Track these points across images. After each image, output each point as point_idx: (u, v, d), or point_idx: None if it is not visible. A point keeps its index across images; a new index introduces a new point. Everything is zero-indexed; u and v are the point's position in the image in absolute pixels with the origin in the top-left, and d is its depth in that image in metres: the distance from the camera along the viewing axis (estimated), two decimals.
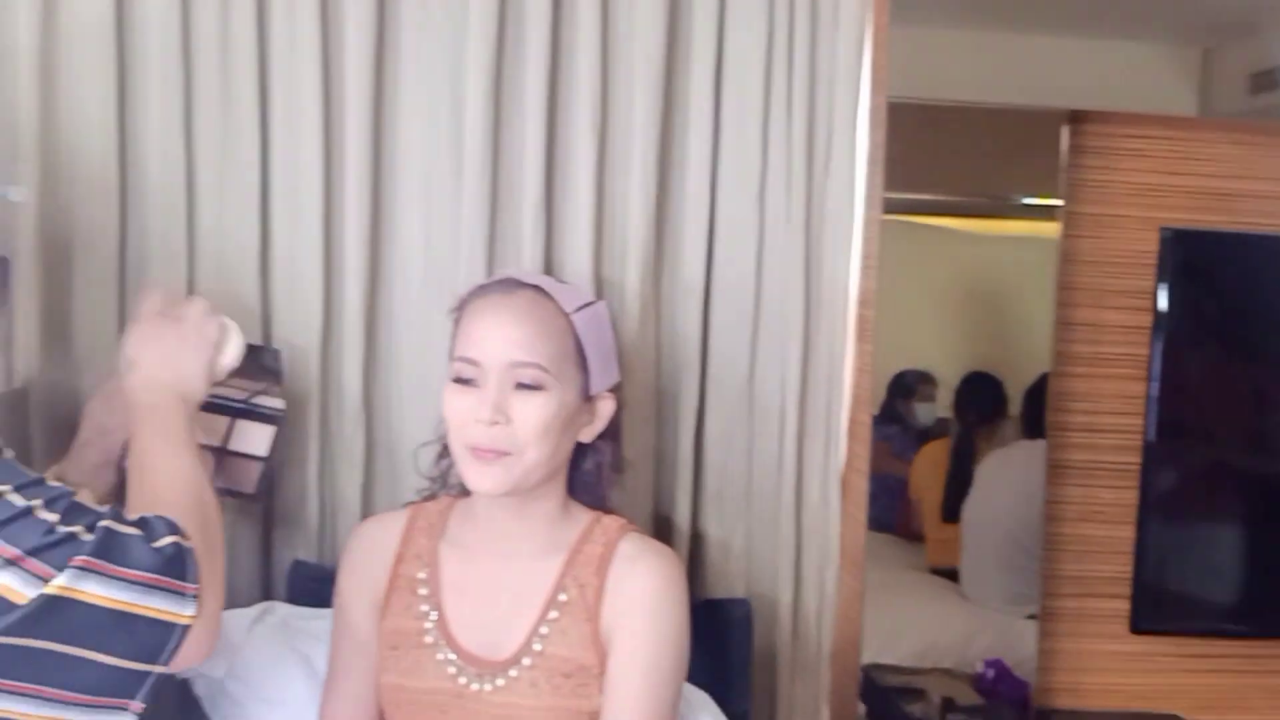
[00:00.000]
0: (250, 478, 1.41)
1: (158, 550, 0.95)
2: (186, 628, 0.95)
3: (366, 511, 1.54)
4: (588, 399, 1.28)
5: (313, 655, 1.35)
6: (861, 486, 1.68)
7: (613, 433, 1.34)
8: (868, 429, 1.67)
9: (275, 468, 1.45)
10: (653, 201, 1.59)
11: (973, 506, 2.37)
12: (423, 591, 1.28)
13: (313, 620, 1.40)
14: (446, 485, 1.36)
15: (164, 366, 1.20)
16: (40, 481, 0.96)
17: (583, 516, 1.32)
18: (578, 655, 1.23)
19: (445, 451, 1.34)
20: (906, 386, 3.36)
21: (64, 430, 1.41)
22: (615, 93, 1.60)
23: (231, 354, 1.29)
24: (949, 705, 2.25)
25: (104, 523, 0.94)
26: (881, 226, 1.68)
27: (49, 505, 0.93)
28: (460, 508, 1.33)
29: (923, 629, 2.80)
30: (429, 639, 1.26)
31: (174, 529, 0.98)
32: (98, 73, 1.44)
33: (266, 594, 1.53)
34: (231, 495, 1.39)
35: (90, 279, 1.46)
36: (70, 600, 0.90)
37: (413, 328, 1.57)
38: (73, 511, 0.94)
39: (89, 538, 0.92)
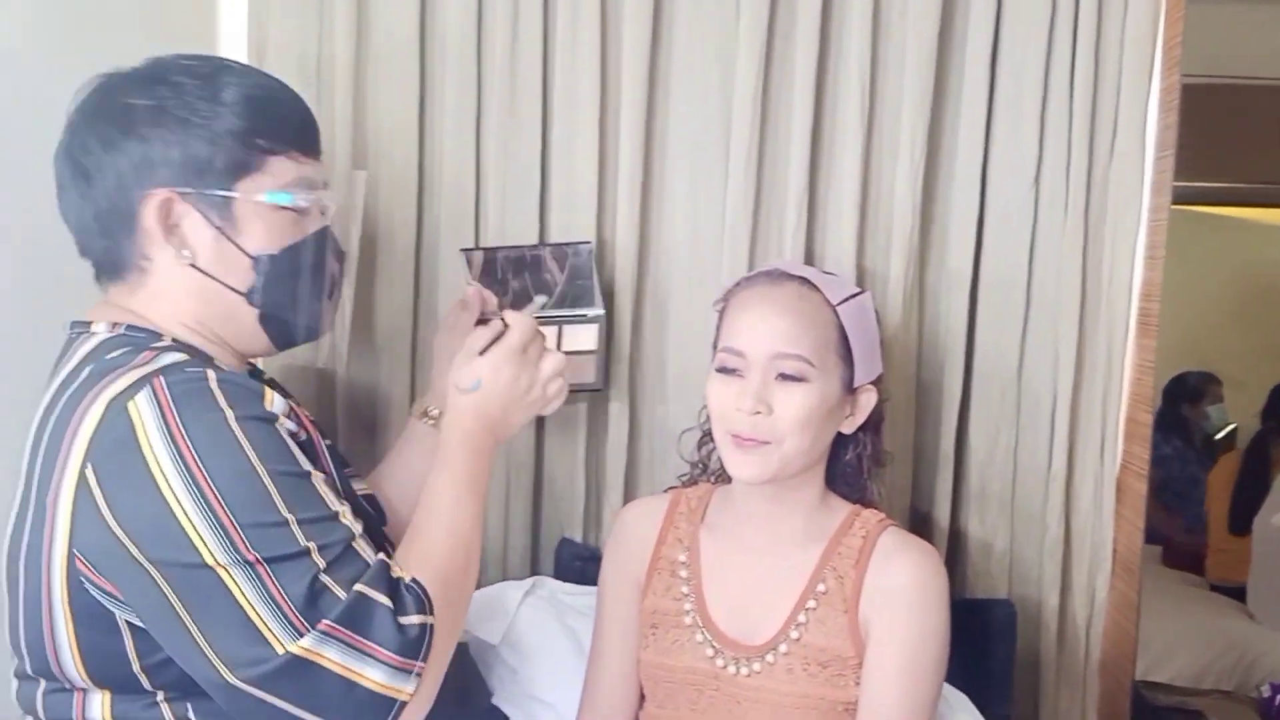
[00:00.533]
0: (589, 371, 1.51)
1: (403, 629, 0.95)
2: (404, 704, 0.95)
3: (630, 494, 1.60)
4: (850, 391, 1.28)
5: (578, 629, 1.43)
6: (1140, 490, 1.58)
7: (874, 425, 1.33)
8: (1148, 429, 1.57)
9: (604, 357, 1.55)
10: (919, 189, 1.56)
11: (1267, 518, 2.17)
12: (683, 574, 1.32)
13: (579, 596, 1.47)
14: (707, 471, 1.40)
15: (503, 407, 1.20)
16: (325, 516, 0.99)
17: (841, 508, 1.32)
18: (835, 645, 1.23)
19: (707, 438, 1.37)
20: (1191, 389, 3.11)
21: (364, 411, 1.56)
22: (884, 77, 1.58)
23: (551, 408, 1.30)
24: None
25: (359, 587, 0.95)
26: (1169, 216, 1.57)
27: (323, 550, 0.95)
28: (720, 494, 1.36)
29: (1201, 647, 2.59)
30: (688, 620, 1.29)
31: (424, 606, 0.99)
32: (403, 83, 1.56)
33: (534, 568, 1.62)
34: (580, 390, 1.51)
35: (391, 273, 1.58)
36: (310, 663, 0.92)
37: (678, 318, 1.61)
38: (340, 562, 0.96)
39: (343, 598, 0.94)
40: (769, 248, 1.59)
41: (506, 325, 1.23)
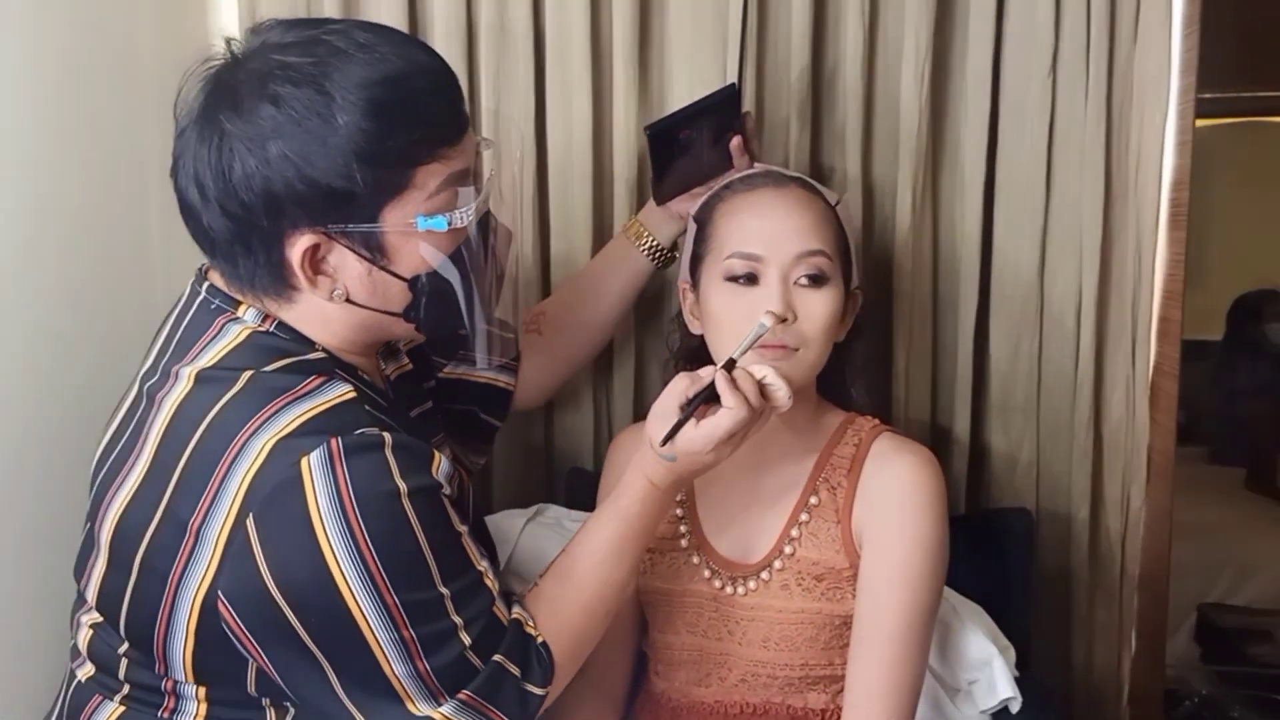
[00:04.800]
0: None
1: (525, 698, 1.01)
2: None
3: (639, 420, 1.56)
4: (847, 295, 1.23)
5: None
6: (1172, 391, 1.49)
7: (859, 331, 1.27)
8: (1179, 327, 1.47)
9: None
10: (926, 88, 1.48)
11: None
12: (678, 497, 1.28)
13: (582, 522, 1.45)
14: None
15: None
16: (473, 582, 0.99)
17: (835, 417, 1.27)
18: (828, 558, 1.19)
19: (680, 359, 1.33)
20: (1250, 308, 2.95)
21: None
22: None
23: None
24: None
25: (497, 658, 0.99)
26: (1205, 129, 1.47)
27: (469, 625, 0.97)
28: None
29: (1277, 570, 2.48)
30: (684, 543, 1.26)
31: (548, 677, 1.03)
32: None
33: (549, 498, 1.59)
34: None
35: None
36: None
37: None
38: (484, 634, 0.98)
39: (481, 669, 0.98)
40: (773, 156, 1.53)
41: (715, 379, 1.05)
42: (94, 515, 1.00)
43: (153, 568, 0.95)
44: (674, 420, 1.04)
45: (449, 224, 0.98)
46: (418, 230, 0.98)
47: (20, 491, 1.19)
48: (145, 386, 1.01)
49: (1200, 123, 1.49)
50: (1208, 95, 1.50)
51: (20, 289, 1.19)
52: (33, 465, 1.20)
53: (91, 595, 1.01)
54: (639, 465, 1.09)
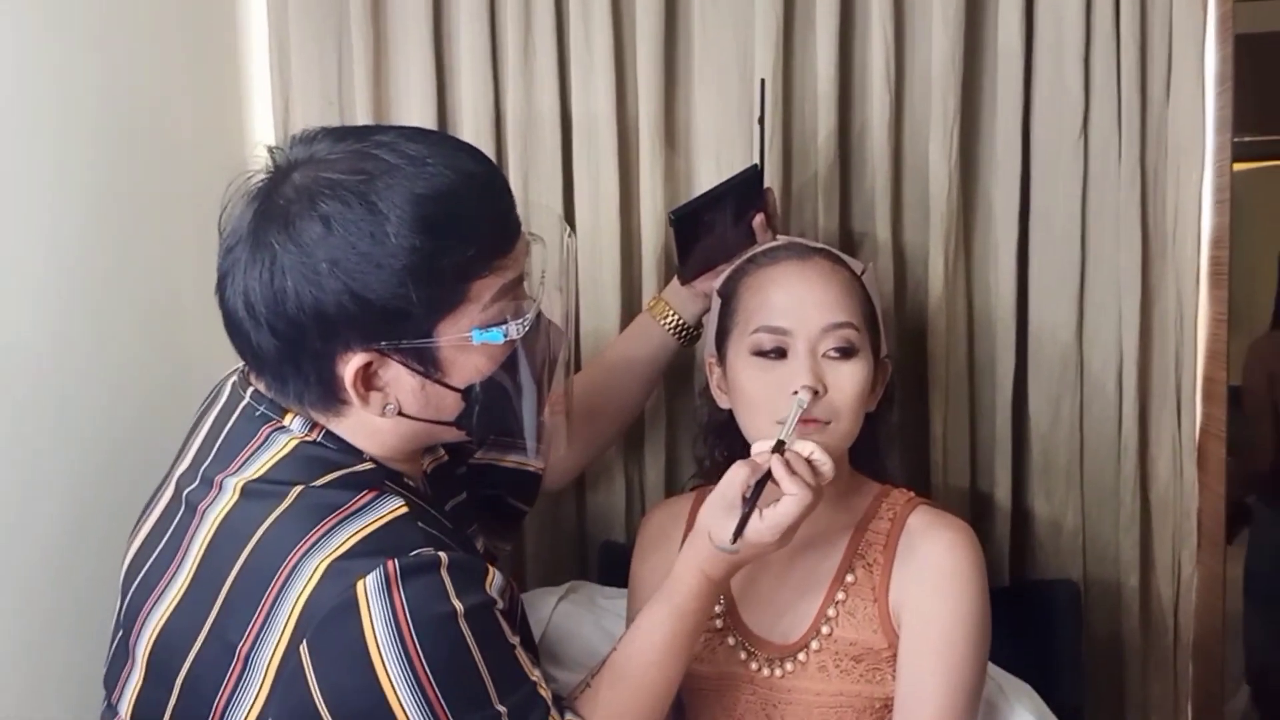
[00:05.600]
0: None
1: None
2: None
3: (670, 493, 1.55)
4: (877, 365, 1.21)
5: (615, 632, 1.37)
6: (1219, 454, 1.45)
7: (889, 399, 1.25)
8: (1224, 387, 1.43)
9: None
10: (955, 152, 1.47)
11: None
12: None
13: (617, 599, 1.42)
14: (715, 466, 1.33)
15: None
16: (528, 694, 0.97)
17: (869, 490, 1.24)
18: (866, 638, 1.16)
19: (710, 434, 1.31)
20: None
21: None
22: (911, 33, 1.50)
23: None
24: None
25: None
26: (1233, 166, 1.44)
27: None
28: None
29: None
30: (719, 624, 1.23)
31: None
32: (421, 106, 1.55)
33: (581, 574, 1.59)
34: None
35: None
36: None
37: None
38: None
39: None
40: (801, 224, 1.52)
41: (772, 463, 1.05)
42: (129, 624, 0.99)
43: (197, 691, 0.93)
44: (737, 513, 1.02)
45: (505, 336, 0.97)
46: (473, 343, 0.96)
47: (50, 586, 1.18)
48: (184, 493, 1.00)
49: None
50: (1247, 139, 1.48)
51: (54, 379, 1.20)
52: (59, 559, 1.20)
53: (125, 710, 0.99)
54: (694, 560, 1.06)
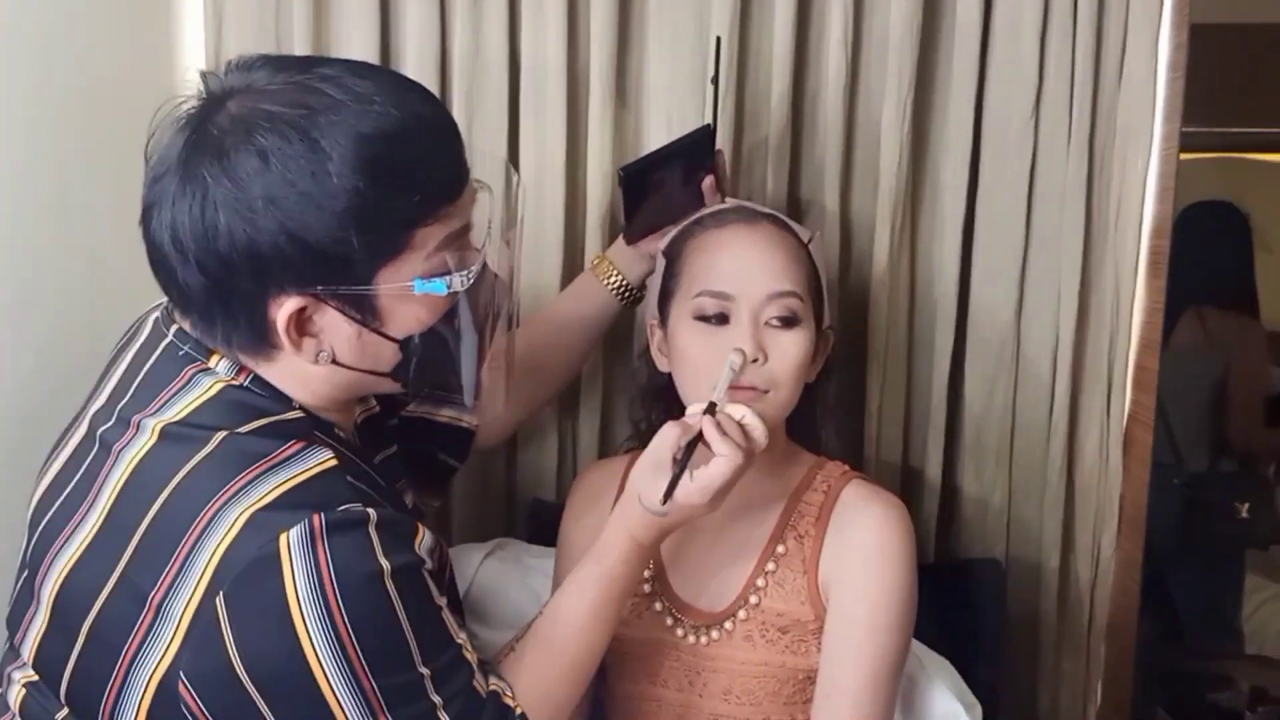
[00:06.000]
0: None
1: None
2: None
3: (604, 454, 1.53)
4: (819, 335, 1.20)
5: (542, 592, 1.36)
6: (1146, 441, 1.47)
7: (829, 371, 1.24)
8: (1155, 375, 1.45)
9: None
10: (908, 124, 1.45)
11: None
12: None
13: (545, 558, 1.40)
14: (652, 430, 1.32)
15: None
16: (453, 657, 0.95)
17: (804, 461, 1.23)
18: (794, 610, 1.16)
19: (648, 396, 1.30)
20: None
21: None
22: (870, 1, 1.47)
23: None
24: (1259, 696, 1.95)
25: None
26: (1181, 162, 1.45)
27: (449, 704, 0.92)
28: None
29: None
30: (646, 588, 1.22)
31: None
32: None
33: (509, 531, 1.55)
34: None
35: None
36: None
37: None
38: (465, 713, 0.93)
39: None
40: (749, 187, 1.50)
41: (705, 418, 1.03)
42: (35, 566, 0.94)
43: (103, 639, 0.89)
44: (667, 474, 1.00)
45: (448, 287, 0.93)
46: (414, 293, 0.92)
47: None
48: (99, 431, 0.95)
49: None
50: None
51: None
52: None
53: (28, 653, 0.94)
54: (623, 524, 1.04)
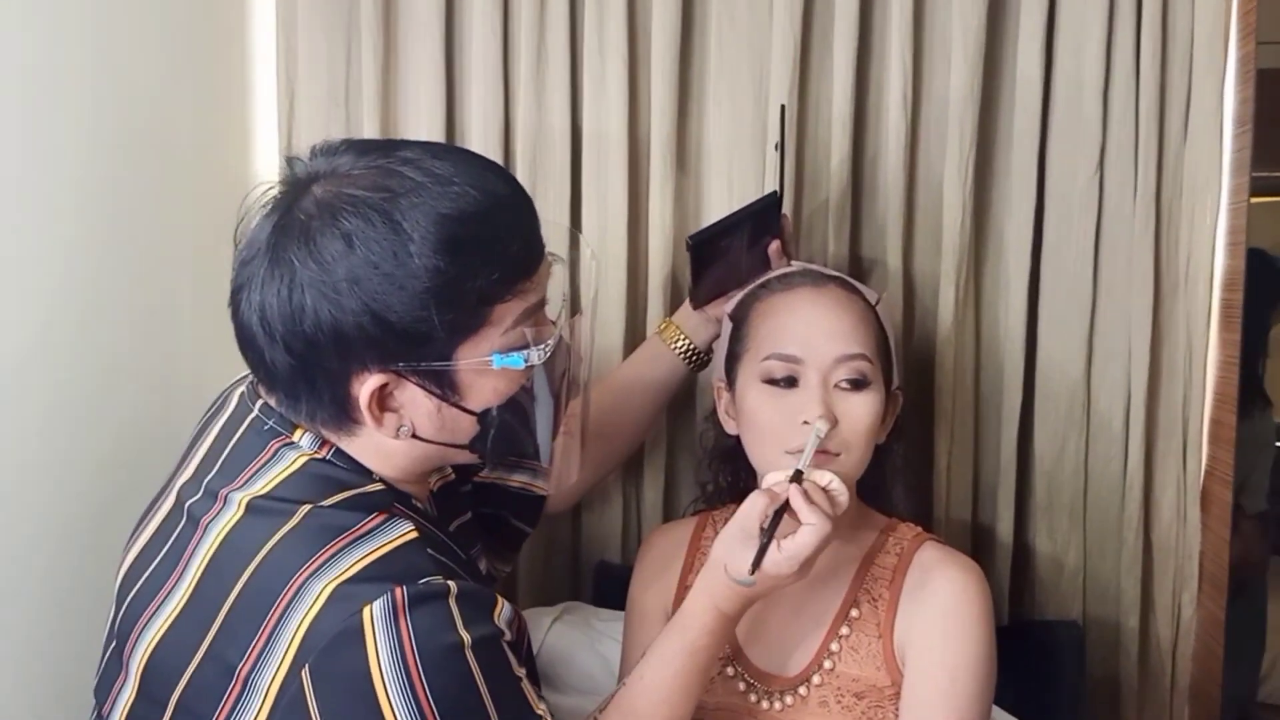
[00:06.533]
0: None
1: None
2: None
3: (669, 514, 1.53)
4: (888, 397, 1.19)
5: (611, 656, 1.36)
6: (1225, 498, 1.44)
7: (899, 432, 1.23)
8: (1233, 431, 1.42)
9: None
10: (970, 180, 1.45)
11: None
12: None
13: (612, 622, 1.40)
14: (720, 491, 1.31)
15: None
16: (526, 716, 0.95)
17: (876, 524, 1.23)
18: (870, 675, 1.14)
19: (715, 459, 1.30)
20: None
21: None
22: (929, 61, 1.48)
23: None
24: None
25: None
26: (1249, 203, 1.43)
27: None
28: None
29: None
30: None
31: None
32: (430, 104, 1.53)
33: (575, 594, 1.56)
34: None
35: None
36: None
37: None
38: None
39: None
40: (812, 249, 1.50)
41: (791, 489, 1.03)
42: (123, 636, 0.96)
43: (192, 710, 0.90)
44: (754, 544, 1.00)
45: (525, 361, 0.95)
46: (492, 368, 0.94)
47: (40, 591, 1.16)
48: (187, 504, 0.97)
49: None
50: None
51: (45, 385, 1.17)
52: (54, 566, 1.17)
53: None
54: (707, 595, 1.04)
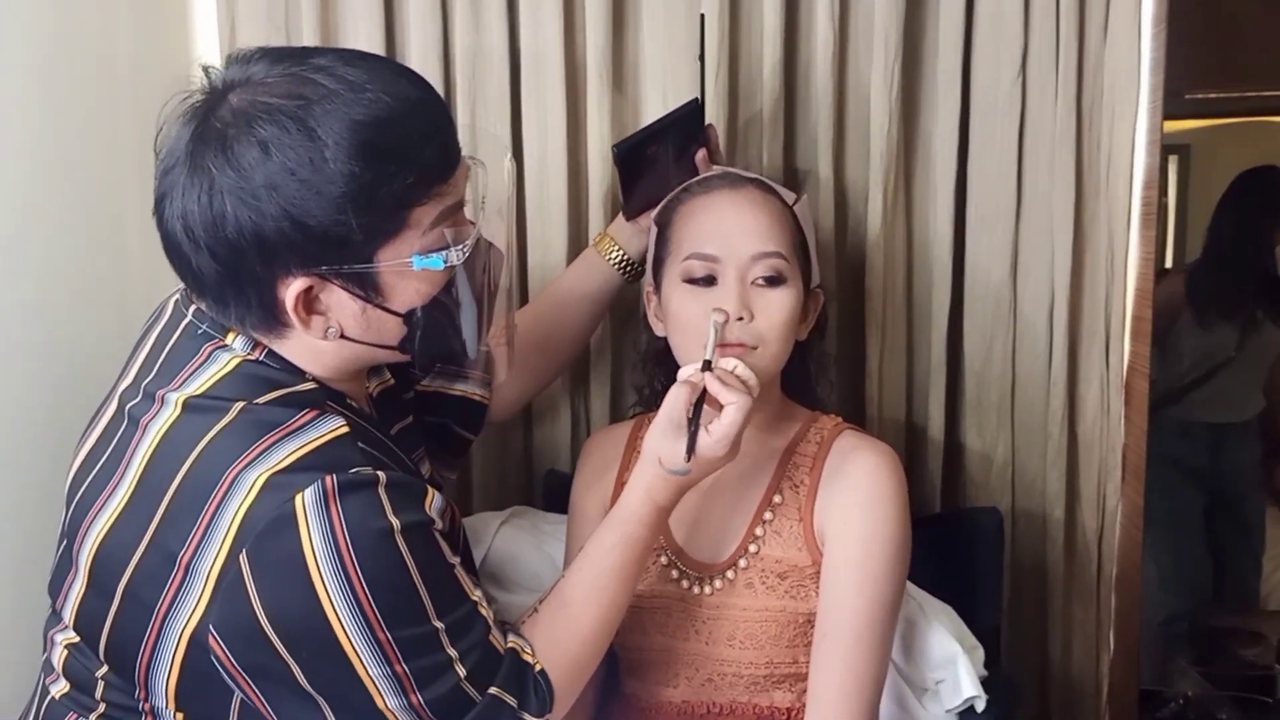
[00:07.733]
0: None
1: None
2: None
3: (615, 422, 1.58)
4: (807, 294, 1.24)
5: (556, 557, 1.41)
6: (1144, 390, 1.49)
7: (820, 329, 1.28)
8: (1150, 325, 1.47)
9: None
10: (896, 89, 1.48)
11: None
12: None
13: (559, 524, 1.45)
14: (654, 394, 1.36)
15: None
16: (467, 613, 0.99)
17: (799, 417, 1.28)
18: (792, 556, 1.20)
19: (648, 361, 1.35)
20: None
21: None
22: None
23: None
24: None
25: (493, 690, 0.99)
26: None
27: (464, 657, 0.97)
28: None
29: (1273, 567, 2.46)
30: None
31: (546, 704, 1.02)
32: None
33: (527, 502, 1.61)
34: None
35: None
36: None
37: None
38: (479, 666, 0.98)
39: (478, 701, 0.97)
40: (746, 160, 1.54)
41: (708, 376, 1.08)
42: (72, 534, 1.00)
43: (137, 597, 0.95)
44: (684, 434, 1.05)
45: (445, 262, 0.98)
46: (413, 269, 0.97)
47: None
48: (127, 407, 1.01)
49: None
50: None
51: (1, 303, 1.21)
52: (5, 474, 1.22)
53: (69, 615, 1.01)
54: (643, 488, 1.09)
